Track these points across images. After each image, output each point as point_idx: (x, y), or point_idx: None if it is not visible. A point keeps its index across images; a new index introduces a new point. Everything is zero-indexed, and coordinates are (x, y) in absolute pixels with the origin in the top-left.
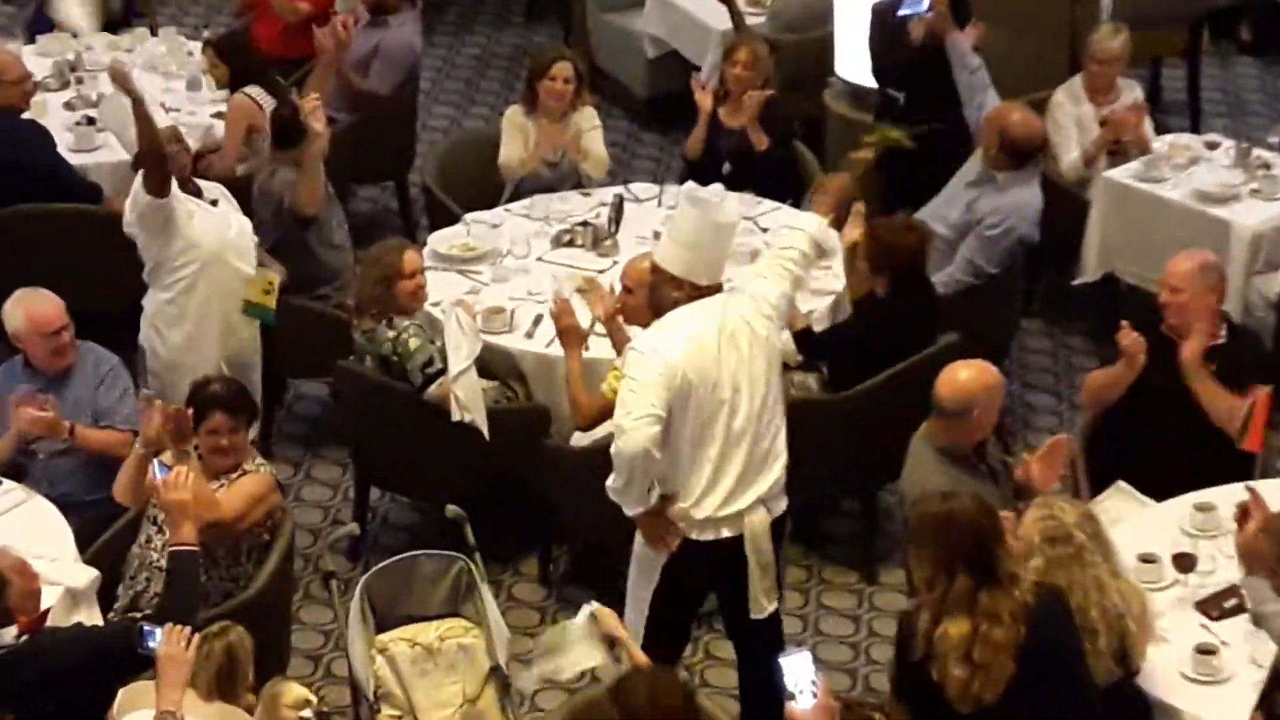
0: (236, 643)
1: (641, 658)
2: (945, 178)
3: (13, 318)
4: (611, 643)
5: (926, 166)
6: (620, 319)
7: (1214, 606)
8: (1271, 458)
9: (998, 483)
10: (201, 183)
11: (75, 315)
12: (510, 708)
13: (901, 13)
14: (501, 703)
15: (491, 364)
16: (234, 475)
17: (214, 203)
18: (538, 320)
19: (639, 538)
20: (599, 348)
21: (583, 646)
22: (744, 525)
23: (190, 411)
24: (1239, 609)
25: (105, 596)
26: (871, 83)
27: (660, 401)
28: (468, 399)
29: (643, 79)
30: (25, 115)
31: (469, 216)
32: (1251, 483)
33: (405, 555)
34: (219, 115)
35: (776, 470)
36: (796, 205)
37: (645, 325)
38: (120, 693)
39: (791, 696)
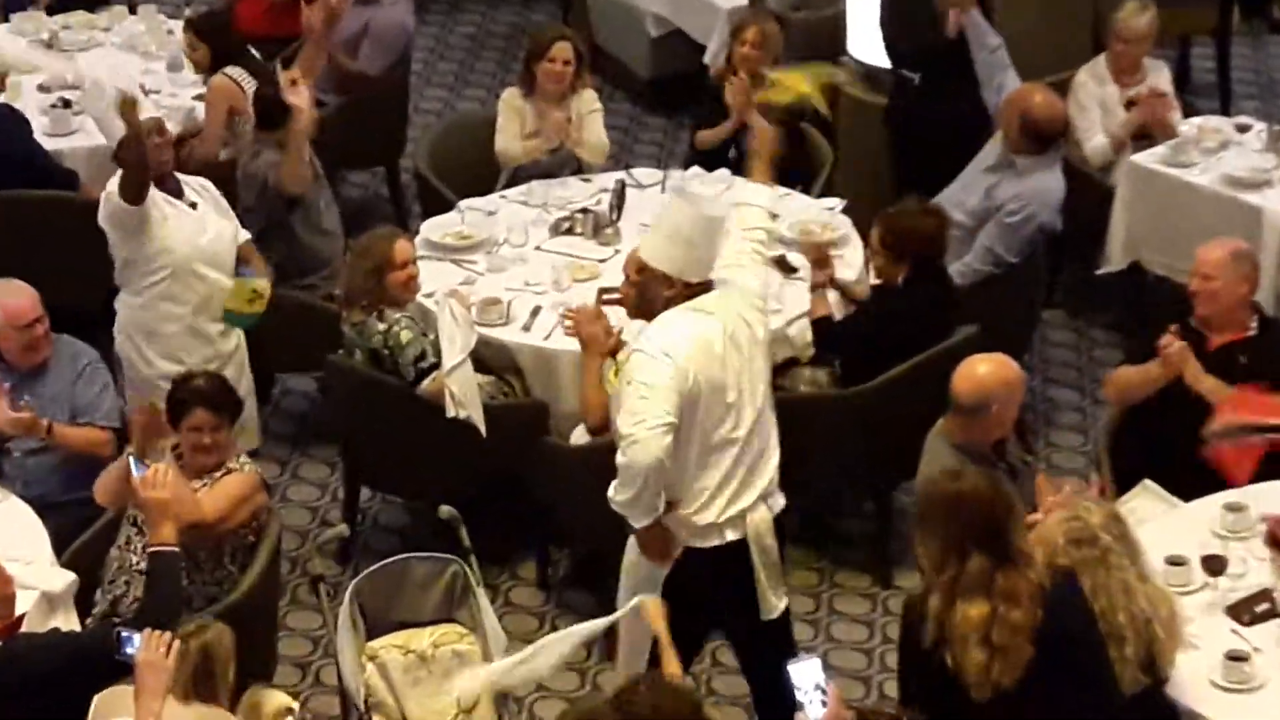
0: (214, 641)
1: (675, 667)
2: (963, 163)
3: None
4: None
5: (943, 151)
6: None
7: (1245, 611)
8: None
9: (1017, 482)
10: (185, 179)
11: (50, 309)
12: (508, 717)
13: None
14: (498, 712)
15: (487, 358)
16: (217, 474)
17: (194, 205)
18: (535, 312)
19: (630, 551)
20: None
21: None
22: (747, 525)
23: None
24: (1271, 613)
25: (83, 601)
26: (886, 63)
27: (674, 408)
28: (463, 394)
29: (645, 59)
30: None
31: (463, 203)
32: None
33: (397, 558)
34: (200, 98)
35: (773, 464)
36: (806, 191)
37: (650, 318)
38: (96, 699)
39: (801, 706)
